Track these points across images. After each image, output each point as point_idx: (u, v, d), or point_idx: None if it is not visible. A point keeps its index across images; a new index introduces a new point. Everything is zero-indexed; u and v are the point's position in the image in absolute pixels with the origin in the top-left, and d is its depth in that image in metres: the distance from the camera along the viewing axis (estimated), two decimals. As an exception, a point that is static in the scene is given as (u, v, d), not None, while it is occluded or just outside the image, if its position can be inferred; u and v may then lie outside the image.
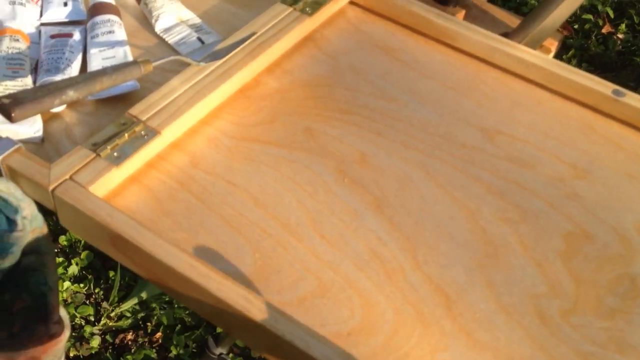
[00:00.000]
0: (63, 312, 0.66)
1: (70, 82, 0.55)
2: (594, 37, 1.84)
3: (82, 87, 0.56)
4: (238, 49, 0.68)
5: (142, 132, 0.59)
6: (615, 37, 1.85)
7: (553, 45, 0.76)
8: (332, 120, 0.67)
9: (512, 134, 0.67)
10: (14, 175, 0.56)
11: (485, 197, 0.62)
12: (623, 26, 1.86)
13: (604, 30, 1.88)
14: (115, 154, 0.57)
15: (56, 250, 1.39)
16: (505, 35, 0.77)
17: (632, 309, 0.55)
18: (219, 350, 1.02)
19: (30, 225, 0.56)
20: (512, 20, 0.79)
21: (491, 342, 0.52)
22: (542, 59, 0.71)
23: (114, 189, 0.58)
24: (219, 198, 0.59)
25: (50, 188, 0.54)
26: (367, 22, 0.78)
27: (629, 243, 0.59)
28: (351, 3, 0.80)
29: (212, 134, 0.64)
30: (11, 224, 0.55)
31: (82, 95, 0.56)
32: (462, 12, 0.79)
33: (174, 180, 0.60)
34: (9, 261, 0.56)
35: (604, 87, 0.69)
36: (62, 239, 1.43)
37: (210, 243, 0.56)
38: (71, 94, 0.55)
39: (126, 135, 0.58)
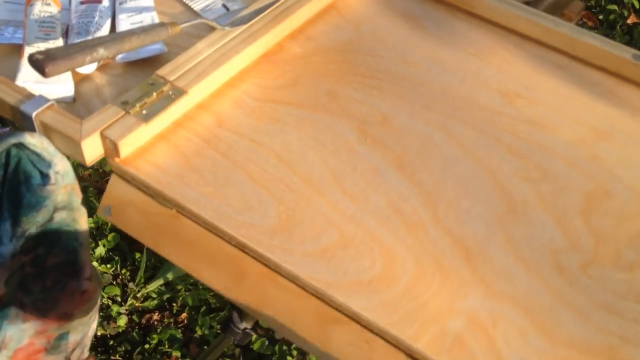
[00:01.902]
0: (95, 270, 0.68)
1: (100, 41, 0.57)
2: (618, 28, 1.83)
3: (112, 46, 0.57)
4: (262, 14, 0.69)
5: (170, 92, 0.61)
6: (640, 27, 1.84)
7: (574, 13, 0.77)
8: (354, 83, 0.68)
9: (533, 98, 0.68)
10: (47, 131, 0.58)
11: (505, 157, 0.63)
12: (648, 17, 1.84)
13: (629, 21, 1.86)
14: (144, 112, 0.59)
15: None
16: (527, 3, 0.77)
17: (651, 263, 0.55)
18: (243, 325, 1.04)
19: (63, 180, 0.58)
20: (533, -11, 0.79)
21: (510, 292, 0.53)
22: (564, 24, 0.72)
23: (143, 145, 0.60)
24: (244, 155, 0.60)
25: (82, 142, 0.56)
26: (389, -8, 0.79)
27: (649, 202, 0.60)
28: (373, -27, 0.81)
29: (237, 95, 0.65)
30: (44, 177, 0.57)
31: (111, 53, 0.58)
32: (483, -19, 0.79)
33: (200, 139, 0.61)
34: (43, 215, 0.59)
35: (624, 51, 0.69)
36: (90, 221, 1.46)
37: (235, 197, 0.57)
38: (101, 52, 0.57)
39: (154, 94, 0.60)
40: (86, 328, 0.70)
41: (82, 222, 0.63)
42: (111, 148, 0.57)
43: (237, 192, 0.58)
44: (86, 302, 0.67)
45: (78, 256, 0.65)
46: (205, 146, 0.61)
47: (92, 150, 0.57)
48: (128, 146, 0.58)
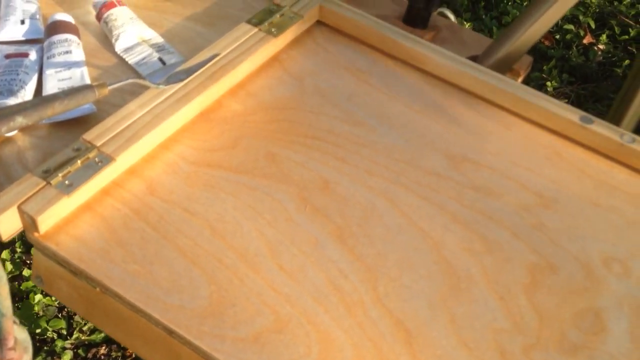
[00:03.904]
0: (23, 335, 0.64)
1: (20, 108, 0.53)
2: (574, 48, 1.85)
3: (32, 113, 0.54)
4: (200, 70, 0.66)
5: (96, 159, 0.57)
6: (596, 47, 1.86)
7: (522, 69, 0.76)
8: (296, 145, 0.65)
9: (479, 161, 0.66)
10: (-41, 203, 0.54)
11: (450, 227, 0.61)
12: (604, 37, 1.86)
13: (585, 41, 1.88)
14: (66, 181, 0.55)
15: (28, 262, 1.36)
16: (475, 58, 0.76)
17: (595, 345, 0.54)
18: None
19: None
20: (482, 43, 0.78)
21: (451, 381, 0.51)
22: (510, 84, 0.70)
23: (66, 217, 0.56)
24: (175, 227, 0.57)
25: (-3, 218, 0.52)
26: (335, 43, 0.77)
27: (594, 275, 0.58)
28: (319, 22, 0.78)
29: (171, 159, 0.62)
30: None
31: (32, 121, 0.54)
32: (431, 34, 0.78)
33: (129, 208, 0.58)
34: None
35: (571, 113, 0.68)
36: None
37: (164, 275, 0.54)
38: (20, 120, 0.53)
39: (79, 162, 0.56)
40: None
41: (3, 293, 0.59)
42: (29, 223, 0.54)
43: (167, 270, 0.54)
44: (10, 373, 0.63)
45: (0, 327, 0.61)
46: (134, 217, 0.57)
47: (9, 225, 0.54)
48: (48, 220, 0.54)
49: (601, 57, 1.84)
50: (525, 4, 1.93)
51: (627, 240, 0.61)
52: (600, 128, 0.67)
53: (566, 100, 1.71)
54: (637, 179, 0.66)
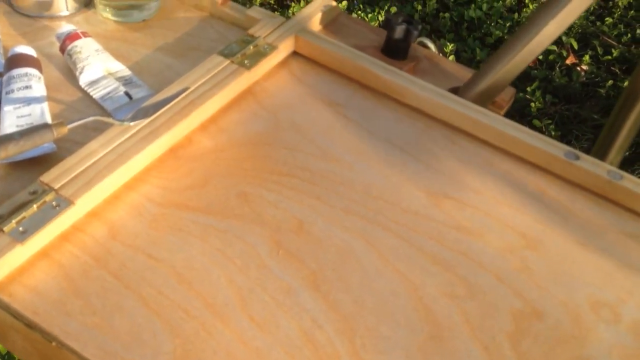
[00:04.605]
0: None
1: (-30, 150, 0.50)
2: (558, 68, 1.84)
3: (-17, 155, 0.50)
4: (168, 105, 0.63)
5: (54, 203, 0.54)
6: (579, 68, 1.85)
7: (505, 101, 0.73)
8: (269, 183, 0.62)
9: (461, 199, 0.63)
10: None
11: (430, 270, 0.58)
12: (587, 57, 1.86)
13: (568, 62, 1.88)
14: (20, 228, 0.52)
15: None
16: (455, 90, 0.74)
17: (584, 399, 0.51)
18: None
19: None
20: (463, 74, 0.76)
21: None
22: (492, 117, 0.68)
23: (20, 265, 0.52)
24: (138, 274, 0.53)
25: (-57, 269, 0.48)
26: (311, 74, 0.74)
27: (582, 321, 0.56)
28: (294, 53, 0.76)
29: (136, 200, 0.59)
30: None
31: (-17, 163, 0.51)
32: (411, 65, 0.75)
33: (88, 255, 0.54)
34: None
35: (556, 149, 0.66)
36: None
37: (125, 328, 0.50)
38: (-31, 164, 0.49)
39: (35, 206, 0.53)
40: None
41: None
42: (-20, 273, 0.50)
43: (128, 322, 0.51)
44: None
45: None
46: (94, 264, 0.54)
47: (-43, 275, 0.50)
48: (0, 270, 0.50)
49: (584, 78, 1.83)
50: (508, 24, 1.92)
51: (616, 283, 0.58)
52: (587, 164, 0.65)
53: (550, 121, 1.69)
54: (626, 218, 0.63)
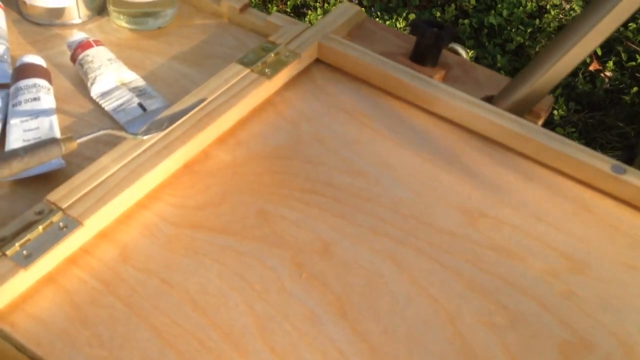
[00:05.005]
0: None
1: (-30, 168, 0.46)
2: (581, 75, 1.78)
3: (-16, 174, 0.47)
4: (184, 118, 0.59)
5: (61, 224, 0.50)
6: (602, 75, 1.79)
7: (543, 110, 0.68)
8: (291, 200, 0.58)
9: (498, 217, 0.59)
10: None
11: (466, 295, 0.53)
12: (611, 64, 1.80)
13: (591, 68, 1.82)
14: (24, 252, 0.48)
15: None
16: (490, 99, 0.69)
17: None
18: None
19: None
20: (497, 82, 0.71)
21: None
22: (531, 128, 0.63)
23: (23, 292, 0.49)
24: (150, 302, 0.50)
25: (-60, 297, 0.45)
26: (335, 83, 0.70)
27: (634, 352, 0.50)
28: (317, 61, 0.72)
29: (149, 219, 0.55)
30: None
31: (-16, 182, 0.47)
32: (442, 73, 0.71)
33: (97, 280, 0.50)
34: None
35: (601, 162, 0.61)
36: None
37: (135, 361, 0.46)
38: (-31, 183, 0.46)
39: (40, 227, 0.49)
40: None
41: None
42: (-20, 301, 0.46)
43: (138, 355, 0.47)
44: None
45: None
46: (103, 290, 0.50)
47: (-44, 303, 0.46)
48: (2, 297, 0.47)
49: (608, 85, 1.77)
50: (529, 30, 1.86)
51: (672, 311, 0.53)
52: (634, 178, 0.60)
53: (573, 129, 1.64)
54: (680, 238, 0.58)
